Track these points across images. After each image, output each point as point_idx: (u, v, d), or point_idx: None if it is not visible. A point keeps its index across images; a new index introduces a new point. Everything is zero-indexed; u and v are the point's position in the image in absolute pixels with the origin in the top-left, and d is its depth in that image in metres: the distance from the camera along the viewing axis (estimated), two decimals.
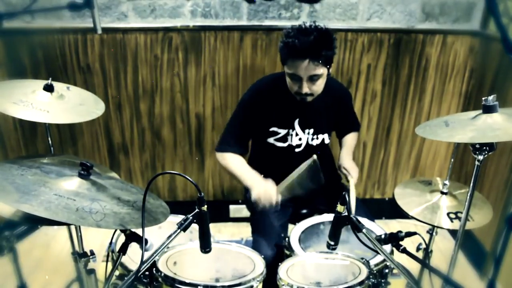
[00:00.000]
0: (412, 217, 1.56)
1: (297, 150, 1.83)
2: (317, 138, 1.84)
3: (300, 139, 1.81)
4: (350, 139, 2.03)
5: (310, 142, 1.83)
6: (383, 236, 1.19)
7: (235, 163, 1.79)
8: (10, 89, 1.53)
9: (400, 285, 1.80)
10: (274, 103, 1.76)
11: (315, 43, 1.53)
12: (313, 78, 1.59)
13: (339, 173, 2.06)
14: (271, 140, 1.81)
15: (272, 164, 1.86)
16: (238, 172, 1.76)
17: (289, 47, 1.56)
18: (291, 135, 1.80)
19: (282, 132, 1.79)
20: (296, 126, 1.79)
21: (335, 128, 2.00)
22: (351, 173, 1.83)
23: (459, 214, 1.53)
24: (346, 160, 1.90)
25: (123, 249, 1.12)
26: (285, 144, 1.81)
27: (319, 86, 1.64)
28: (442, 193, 1.62)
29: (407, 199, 1.62)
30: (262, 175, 1.75)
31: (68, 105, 1.56)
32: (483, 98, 1.29)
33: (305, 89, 1.61)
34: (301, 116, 1.79)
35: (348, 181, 1.84)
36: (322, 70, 1.59)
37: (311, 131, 1.82)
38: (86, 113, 1.57)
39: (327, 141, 1.88)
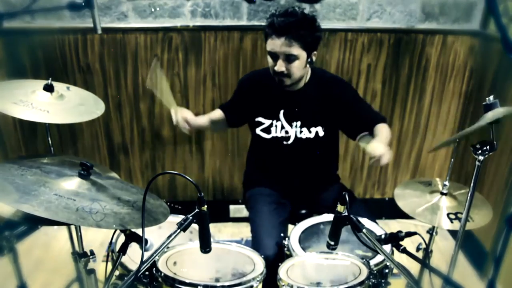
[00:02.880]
0: (412, 218, 1.56)
1: (285, 142, 1.82)
2: (310, 132, 1.80)
3: (287, 132, 1.81)
4: (381, 130, 1.72)
5: (298, 135, 1.81)
6: (383, 236, 1.19)
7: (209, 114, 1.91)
8: (10, 89, 1.52)
9: (400, 285, 1.80)
10: (260, 92, 1.82)
11: (294, 23, 1.59)
12: (290, 58, 1.62)
13: (338, 174, 2.06)
14: (257, 130, 1.84)
15: (264, 156, 1.92)
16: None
17: (269, 25, 1.63)
18: (275, 126, 1.81)
19: (266, 122, 1.82)
20: (282, 117, 1.80)
21: (343, 127, 1.87)
22: (382, 159, 1.55)
23: (459, 215, 1.53)
24: (378, 146, 1.58)
25: (123, 249, 1.12)
26: (269, 136, 1.82)
27: (296, 68, 1.65)
28: (442, 193, 1.62)
29: (407, 200, 1.62)
30: (261, 167, 1.94)
31: (68, 105, 1.55)
32: (487, 99, 1.29)
33: (280, 67, 1.63)
34: (287, 108, 1.79)
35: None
36: (299, 52, 1.62)
37: (298, 123, 1.81)
38: (86, 113, 1.57)
39: (321, 133, 1.80)
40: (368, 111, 1.85)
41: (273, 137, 1.82)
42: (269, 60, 1.69)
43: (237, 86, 1.96)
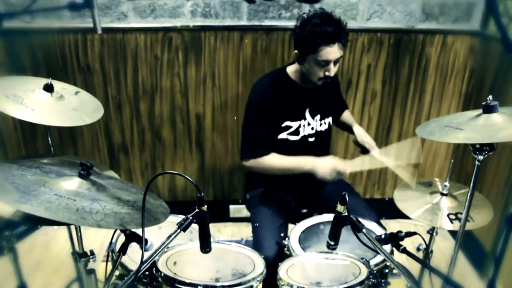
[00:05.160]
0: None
1: (310, 140, 1.84)
2: (325, 123, 1.88)
3: (312, 128, 1.83)
4: (351, 117, 2.08)
5: (318, 129, 1.85)
6: (383, 236, 1.19)
7: (278, 161, 1.77)
8: (10, 84, 1.51)
9: (400, 285, 1.80)
10: (284, 98, 1.78)
11: (341, 27, 1.61)
12: (337, 61, 1.66)
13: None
14: (283, 135, 1.80)
15: None
16: (288, 165, 1.76)
17: (321, 36, 1.59)
18: (303, 126, 1.81)
19: (295, 125, 1.80)
20: (307, 115, 1.82)
21: (334, 110, 2.02)
22: (374, 147, 1.85)
23: (459, 215, 1.53)
24: (365, 135, 1.92)
25: (123, 249, 1.12)
26: (298, 137, 1.82)
27: (337, 67, 1.70)
28: (442, 194, 1.62)
29: (407, 201, 1.62)
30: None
31: (62, 107, 1.51)
32: (487, 99, 1.29)
33: (333, 72, 1.66)
34: (311, 105, 1.82)
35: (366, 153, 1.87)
36: (343, 52, 1.67)
37: (318, 117, 1.85)
38: (75, 118, 1.52)
39: (331, 122, 1.92)
40: (343, 98, 2.15)
41: (302, 137, 1.82)
42: (314, 68, 1.65)
43: (256, 104, 1.77)
